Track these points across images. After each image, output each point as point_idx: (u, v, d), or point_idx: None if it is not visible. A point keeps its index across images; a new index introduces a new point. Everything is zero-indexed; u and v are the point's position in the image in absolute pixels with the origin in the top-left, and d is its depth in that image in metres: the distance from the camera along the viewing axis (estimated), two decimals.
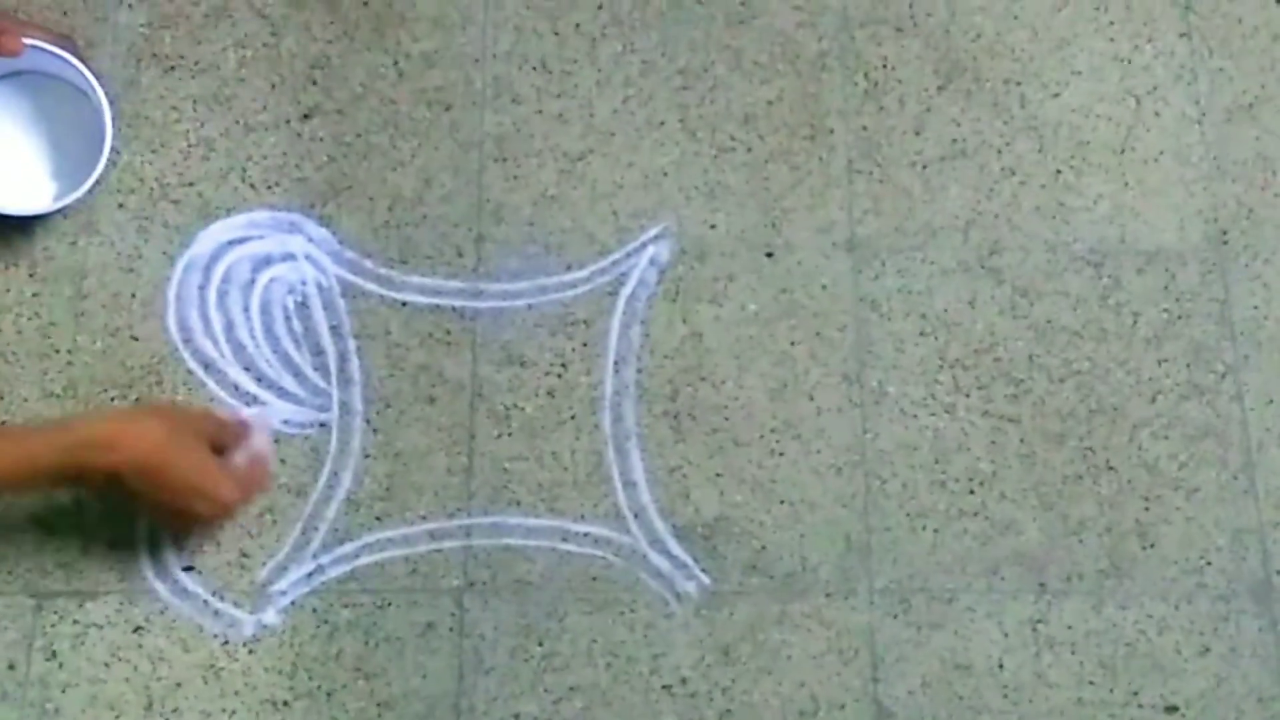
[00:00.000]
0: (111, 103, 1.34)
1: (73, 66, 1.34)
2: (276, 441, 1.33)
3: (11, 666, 1.27)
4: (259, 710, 1.27)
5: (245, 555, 1.31)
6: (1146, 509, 1.35)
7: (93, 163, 1.33)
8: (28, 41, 1.31)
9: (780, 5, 1.49)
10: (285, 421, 1.34)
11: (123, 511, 1.28)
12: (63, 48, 1.34)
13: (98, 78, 1.35)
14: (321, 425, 1.34)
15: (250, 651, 1.28)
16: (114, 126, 1.35)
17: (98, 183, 1.34)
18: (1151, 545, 1.34)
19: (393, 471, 1.33)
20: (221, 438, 1.29)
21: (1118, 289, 1.41)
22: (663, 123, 1.45)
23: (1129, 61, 1.49)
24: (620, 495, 1.34)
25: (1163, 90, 1.48)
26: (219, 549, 1.31)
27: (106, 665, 1.28)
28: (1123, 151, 1.46)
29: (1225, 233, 1.44)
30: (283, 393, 1.35)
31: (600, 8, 1.48)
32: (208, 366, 1.35)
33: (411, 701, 1.28)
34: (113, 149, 1.37)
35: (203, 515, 1.26)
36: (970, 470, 1.36)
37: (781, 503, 1.34)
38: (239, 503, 1.27)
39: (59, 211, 1.37)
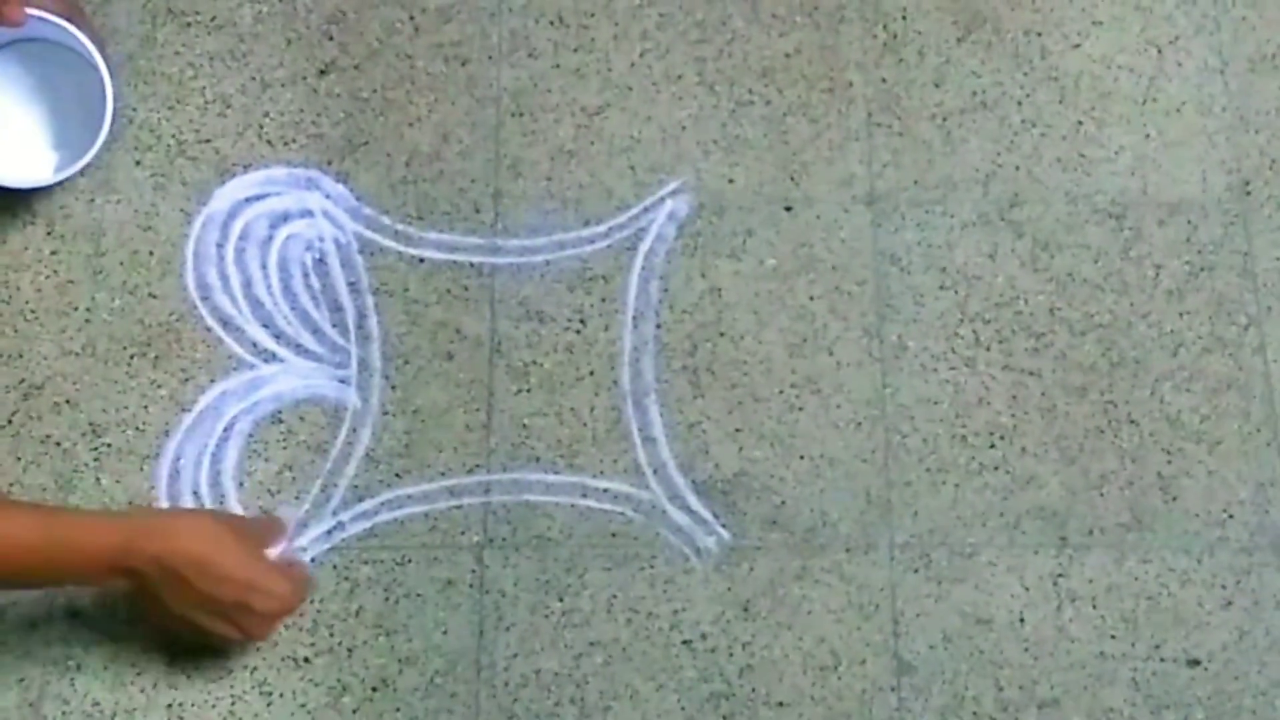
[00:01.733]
0: (114, 72, 1.33)
1: (75, 36, 1.33)
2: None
3: (32, 625, 1.27)
4: (279, 667, 1.27)
5: (265, 513, 1.31)
6: (1168, 462, 1.35)
7: (95, 134, 1.33)
8: (30, 11, 1.30)
9: None
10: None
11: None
12: (68, 15, 1.32)
13: (104, 45, 1.34)
14: (340, 382, 1.34)
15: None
16: (115, 98, 1.33)
17: (101, 152, 1.34)
18: (1173, 498, 1.34)
19: (411, 428, 1.33)
20: (267, 539, 1.28)
21: (1139, 241, 1.40)
22: (680, 76, 1.44)
23: (1150, 11, 1.47)
24: (639, 451, 1.33)
25: (1185, 40, 1.47)
26: (240, 507, 1.31)
27: (127, 623, 1.28)
28: (1144, 102, 1.45)
29: (1248, 184, 1.42)
30: (301, 350, 1.35)
31: None
32: (226, 324, 1.35)
33: (432, 657, 1.28)
34: (129, 106, 1.37)
35: (262, 610, 1.20)
36: (991, 424, 1.35)
37: (801, 458, 1.34)
38: (298, 599, 1.24)
39: (59, 183, 1.36)
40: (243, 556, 1.19)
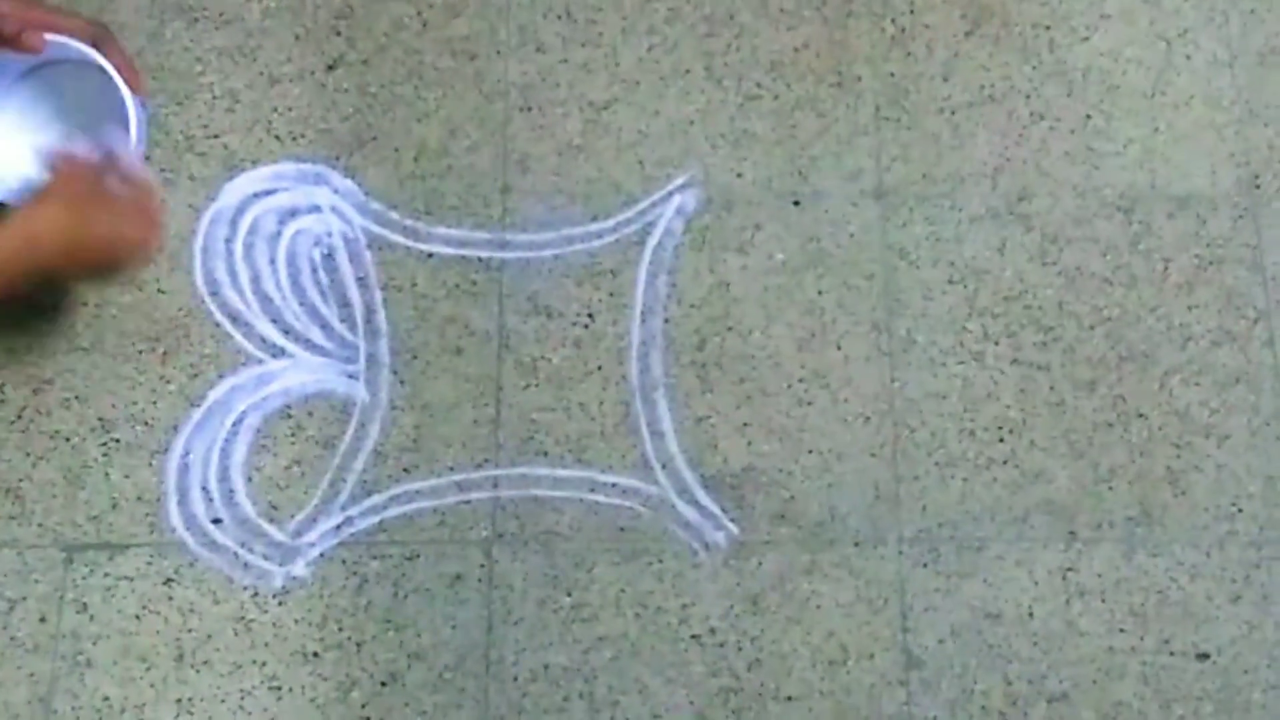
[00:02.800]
0: (141, 105, 1.30)
1: (98, 61, 1.30)
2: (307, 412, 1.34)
3: (43, 619, 1.28)
4: (288, 661, 1.28)
5: (274, 507, 1.31)
6: (1177, 456, 1.34)
7: None
8: (50, 38, 1.28)
9: None
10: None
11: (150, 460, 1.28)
12: (94, 40, 1.30)
13: (134, 65, 1.31)
14: (349, 377, 1.34)
15: (280, 603, 1.29)
16: (141, 121, 1.29)
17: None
18: (1182, 492, 1.33)
19: (420, 423, 1.33)
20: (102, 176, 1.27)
21: (1148, 235, 1.40)
22: (688, 71, 1.44)
23: (1159, 4, 1.47)
24: (648, 445, 1.34)
25: (1193, 33, 1.47)
26: (249, 502, 1.31)
27: (137, 617, 1.28)
28: (1153, 96, 1.44)
29: (1257, 177, 1.42)
30: (309, 345, 1.35)
31: None
32: (235, 319, 1.35)
33: (440, 652, 1.28)
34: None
35: (130, 261, 1.25)
36: (999, 418, 1.35)
37: (810, 452, 1.34)
38: (155, 234, 1.26)
39: None
40: (98, 223, 1.22)
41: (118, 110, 1.29)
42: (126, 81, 1.28)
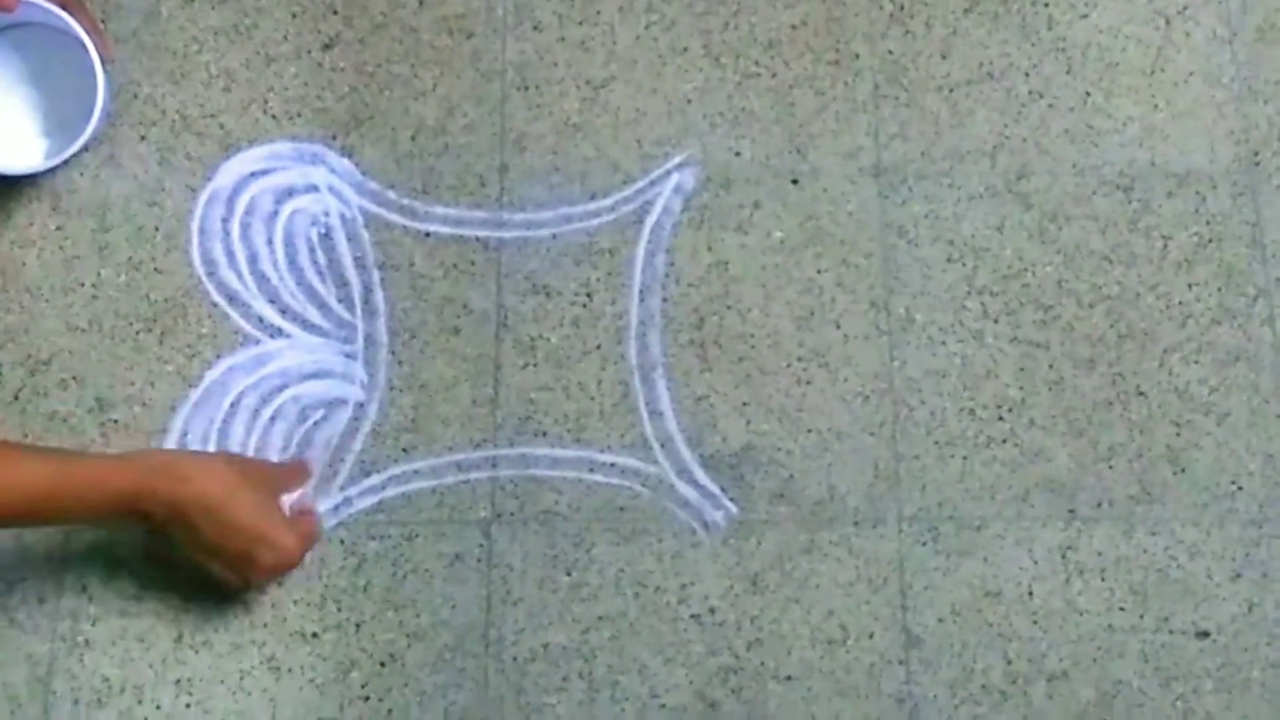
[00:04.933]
0: (111, 58, 1.33)
1: (68, 22, 1.32)
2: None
3: (41, 600, 1.28)
4: (288, 642, 1.28)
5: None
6: (1177, 434, 1.34)
7: (88, 119, 1.32)
8: None
9: None
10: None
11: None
12: (63, 2, 1.32)
13: (102, 31, 1.34)
14: (347, 357, 1.34)
15: (278, 583, 1.29)
16: (108, 85, 1.33)
17: (106, 128, 1.34)
18: (1182, 470, 1.33)
19: (418, 403, 1.33)
20: (285, 486, 1.29)
21: (1147, 212, 1.40)
22: (686, 49, 1.43)
23: None
24: (647, 425, 1.33)
25: (1193, 10, 1.46)
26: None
27: (136, 598, 1.28)
28: (1152, 73, 1.44)
29: (1256, 154, 1.42)
30: (307, 325, 1.35)
31: None
32: (232, 299, 1.35)
33: (440, 632, 1.28)
34: (133, 81, 1.37)
35: (264, 564, 1.21)
36: (999, 397, 1.35)
37: (809, 431, 1.34)
38: (301, 553, 1.25)
39: (50, 169, 1.35)
40: (252, 505, 1.20)
41: (86, 74, 1.30)
42: (95, 46, 1.29)
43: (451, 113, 1.41)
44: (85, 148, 1.35)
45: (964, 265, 1.38)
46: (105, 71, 1.32)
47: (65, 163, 1.35)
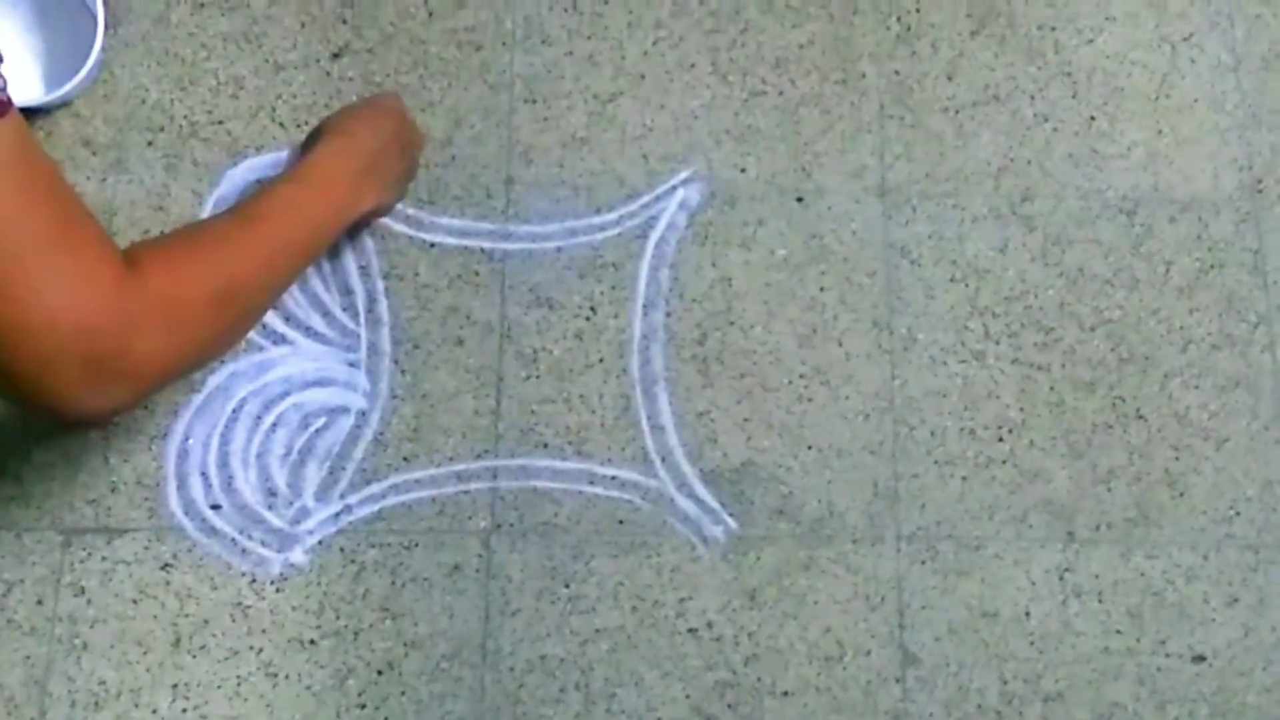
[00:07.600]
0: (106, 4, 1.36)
1: None
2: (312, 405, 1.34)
3: (40, 602, 1.28)
4: (286, 649, 1.28)
5: (273, 494, 1.31)
6: (1176, 458, 1.35)
7: (85, 60, 1.35)
8: None
9: None
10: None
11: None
12: None
13: None
14: (349, 365, 1.34)
15: (277, 590, 1.29)
16: (106, 24, 1.36)
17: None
18: (1181, 495, 1.34)
19: (420, 413, 1.33)
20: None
21: (1150, 237, 1.40)
22: (693, 65, 1.44)
23: (1164, 7, 1.48)
24: (648, 439, 1.34)
25: (1198, 37, 1.47)
26: (248, 488, 1.31)
27: (134, 602, 1.28)
28: (1157, 98, 1.45)
29: (1260, 181, 1.43)
30: (311, 333, 1.35)
31: None
32: None
33: (438, 642, 1.28)
34: (141, 87, 1.38)
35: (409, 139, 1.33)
36: (999, 418, 1.35)
37: (809, 448, 1.34)
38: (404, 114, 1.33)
39: (49, 104, 1.36)
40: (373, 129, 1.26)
41: (86, 18, 1.37)
42: None
43: (459, 124, 1.41)
44: (83, 85, 1.37)
45: (966, 286, 1.38)
46: (104, 5, 1.36)
47: (52, 107, 1.37)
